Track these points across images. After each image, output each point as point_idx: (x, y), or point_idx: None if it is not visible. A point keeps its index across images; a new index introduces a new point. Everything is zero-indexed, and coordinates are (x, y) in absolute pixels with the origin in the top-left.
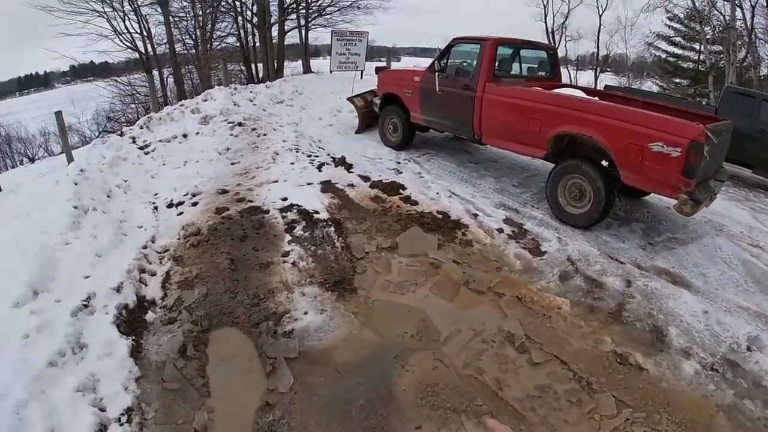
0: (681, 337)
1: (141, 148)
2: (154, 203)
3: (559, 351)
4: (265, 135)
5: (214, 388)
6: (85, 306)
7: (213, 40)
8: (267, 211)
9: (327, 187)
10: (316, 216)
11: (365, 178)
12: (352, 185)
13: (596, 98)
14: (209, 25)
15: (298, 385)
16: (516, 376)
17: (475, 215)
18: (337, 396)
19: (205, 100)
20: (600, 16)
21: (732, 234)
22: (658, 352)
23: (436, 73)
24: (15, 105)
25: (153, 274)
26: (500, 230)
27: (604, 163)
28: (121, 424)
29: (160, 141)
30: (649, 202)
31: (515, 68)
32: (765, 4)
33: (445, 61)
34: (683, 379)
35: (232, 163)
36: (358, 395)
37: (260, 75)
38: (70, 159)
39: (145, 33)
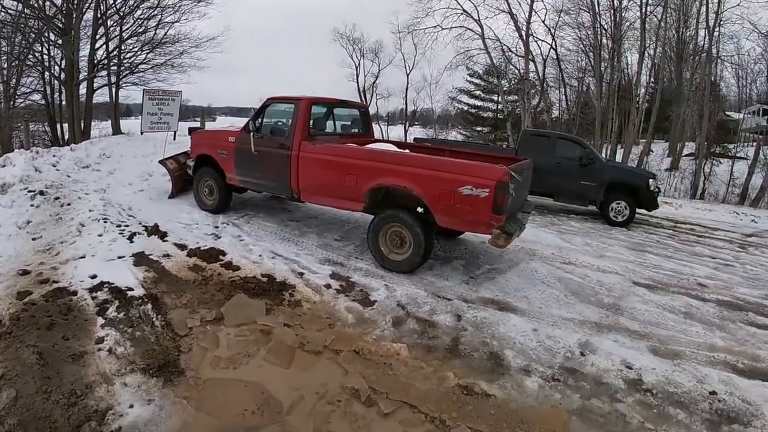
0: (518, 357)
1: None
2: None
3: (406, 396)
4: (69, 204)
5: None
6: None
7: (16, 96)
8: (75, 293)
9: (140, 259)
10: (130, 293)
11: (182, 247)
12: (167, 255)
13: (407, 151)
14: (14, 80)
15: None
16: (369, 431)
17: (301, 274)
18: None
19: (4, 166)
20: (407, 75)
21: (545, 256)
22: (499, 376)
23: (252, 133)
24: None
25: None
26: (328, 286)
27: (420, 210)
28: None
29: None
30: (465, 240)
31: (329, 126)
32: (555, 57)
33: (260, 120)
34: (530, 396)
35: (33, 238)
36: None
37: (66, 136)
38: None
39: None
